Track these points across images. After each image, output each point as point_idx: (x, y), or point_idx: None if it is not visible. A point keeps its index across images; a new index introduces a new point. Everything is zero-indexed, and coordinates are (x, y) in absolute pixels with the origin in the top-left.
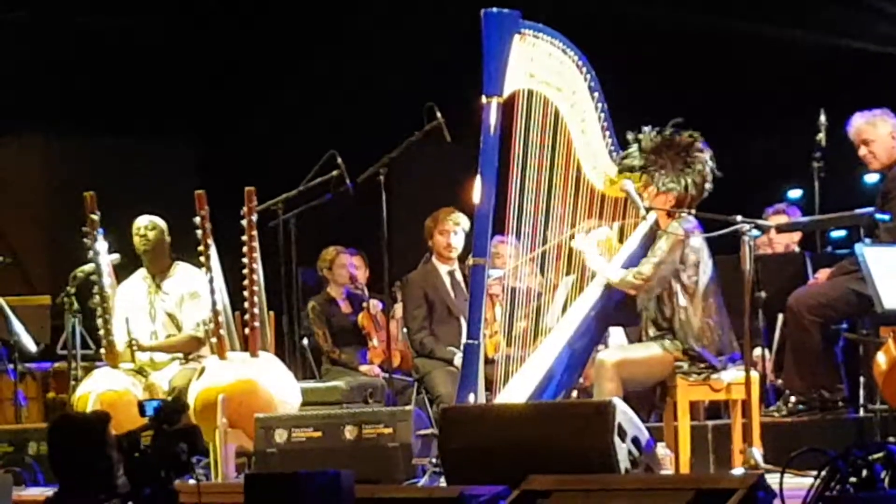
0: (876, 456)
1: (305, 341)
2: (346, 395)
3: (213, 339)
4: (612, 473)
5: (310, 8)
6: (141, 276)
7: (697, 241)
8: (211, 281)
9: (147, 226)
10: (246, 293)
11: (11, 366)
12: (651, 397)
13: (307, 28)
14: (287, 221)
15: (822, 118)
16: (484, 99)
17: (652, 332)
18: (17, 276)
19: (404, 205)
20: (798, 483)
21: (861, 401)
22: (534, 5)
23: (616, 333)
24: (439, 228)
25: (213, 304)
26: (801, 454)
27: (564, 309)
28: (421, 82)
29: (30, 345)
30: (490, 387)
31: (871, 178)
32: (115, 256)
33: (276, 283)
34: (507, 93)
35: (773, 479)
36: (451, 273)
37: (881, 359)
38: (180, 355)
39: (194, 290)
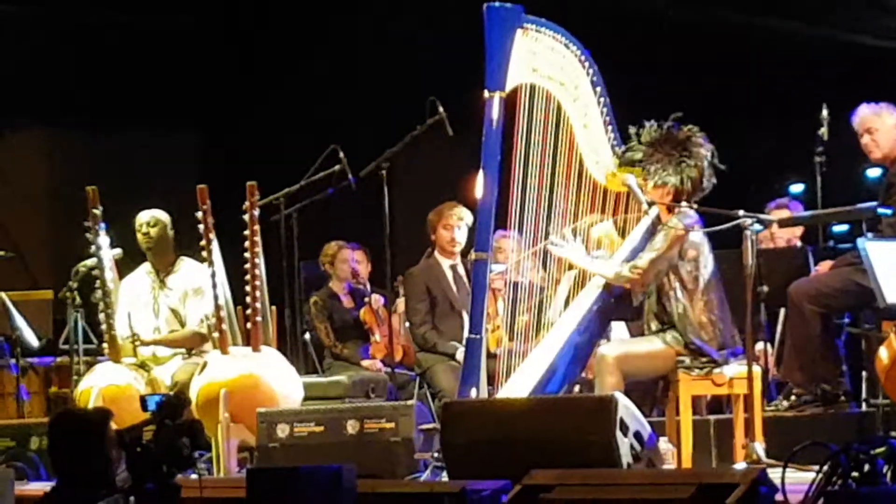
0: (878, 450)
1: (307, 336)
2: (348, 389)
3: (216, 334)
4: (615, 468)
5: (312, 2)
6: (145, 270)
7: (698, 235)
8: (213, 275)
9: (149, 221)
10: (248, 288)
11: (14, 360)
12: (653, 392)
13: (310, 23)
14: (289, 216)
15: (825, 112)
16: (486, 93)
17: (654, 326)
18: (20, 270)
19: (406, 199)
20: (800, 478)
21: (863, 395)
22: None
23: (618, 328)
24: (443, 223)
25: (215, 298)
26: (803, 449)
27: (566, 303)
28: (423, 77)
29: (32, 339)
30: (492, 381)
31: (874, 173)
32: (118, 251)
33: (278, 277)
34: (509, 87)
35: (775, 474)
36: (453, 267)
37: (883, 353)
38: (183, 350)
39: (198, 285)
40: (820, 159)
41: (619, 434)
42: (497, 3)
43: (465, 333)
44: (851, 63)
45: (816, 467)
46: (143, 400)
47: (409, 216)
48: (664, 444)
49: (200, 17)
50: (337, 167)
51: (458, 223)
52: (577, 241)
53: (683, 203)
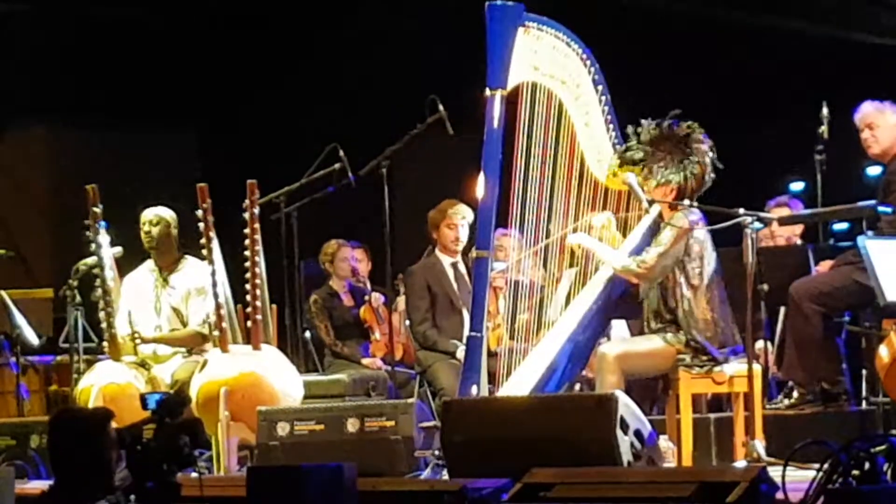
0: (878, 449)
1: (308, 334)
2: (348, 388)
3: (216, 333)
4: (615, 466)
5: (313, 1)
6: (149, 267)
7: (702, 232)
8: (213, 274)
9: (152, 220)
10: (248, 286)
11: (14, 359)
12: (653, 390)
13: (310, 20)
14: (289, 214)
15: (825, 111)
16: (487, 91)
17: (654, 324)
18: (20, 269)
19: (406, 198)
20: (800, 476)
21: (863, 394)
22: None
23: (618, 326)
24: (447, 222)
25: (216, 296)
26: (803, 447)
27: (567, 302)
28: (424, 75)
29: (32, 338)
30: (493, 380)
31: (874, 171)
32: (118, 249)
33: (278, 276)
34: (510, 85)
35: (775, 472)
36: (454, 265)
37: (883, 352)
38: (183, 349)
39: (201, 285)
40: (820, 157)
41: (619, 432)
42: (498, 2)
43: (466, 331)
44: (852, 61)
45: (817, 465)
46: (143, 398)
47: (410, 215)
48: (664, 442)
49: (202, 14)
50: (337, 165)
51: (461, 222)
52: (583, 223)
53: (685, 201)
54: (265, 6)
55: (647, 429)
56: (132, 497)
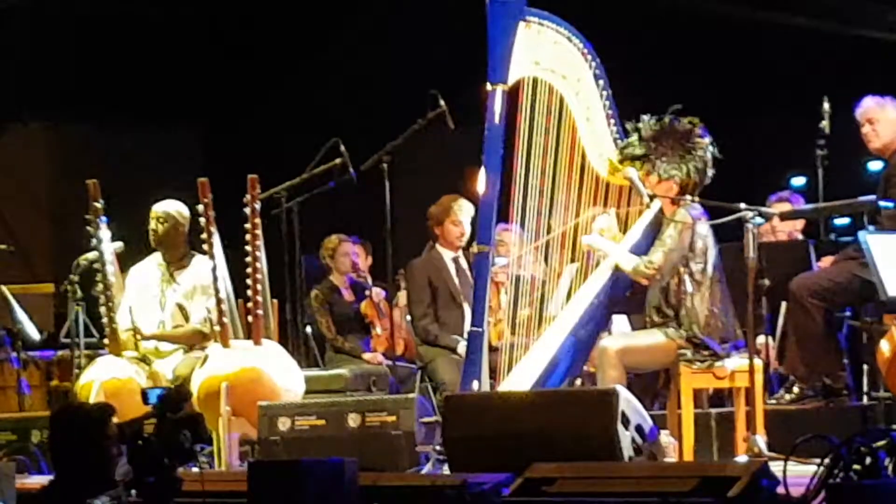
0: (879, 443)
1: (309, 329)
2: (349, 383)
3: (217, 328)
4: (616, 461)
5: None
6: (156, 261)
7: (704, 227)
8: (214, 269)
9: (160, 217)
10: (249, 281)
11: (15, 354)
12: (654, 385)
13: (311, 17)
14: (290, 209)
15: (826, 106)
16: (489, 86)
17: (655, 319)
18: (21, 264)
19: (407, 193)
20: (802, 470)
21: (865, 388)
22: None
23: (620, 321)
24: (451, 219)
25: (216, 291)
26: (804, 442)
27: (568, 297)
28: (425, 70)
29: (33, 333)
30: (494, 374)
31: (875, 166)
32: (119, 244)
33: (279, 271)
34: (511, 80)
35: (776, 467)
36: (455, 259)
37: (885, 347)
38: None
39: (207, 283)
40: (821, 152)
41: (620, 427)
42: None
43: (467, 326)
44: (854, 56)
45: (818, 460)
46: (144, 393)
47: (411, 210)
48: (665, 437)
49: (203, 10)
50: (338, 160)
51: (464, 217)
52: (583, 220)
53: (687, 196)
54: (267, 2)
55: (648, 423)
56: (133, 492)
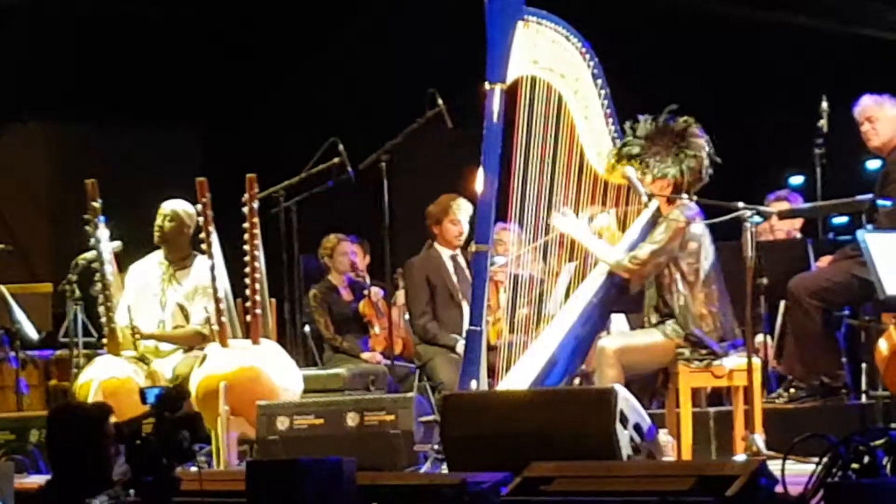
0: (878, 442)
1: (307, 329)
2: (347, 382)
3: (216, 327)
4: (615, 460)
5: None
6: (157, 259)
7: (699, 227)
8: (212, 268)
9: (167, 215)
10: (247, 280)
11: (13, 353)
12: (653, 384)
13: (310, 17)
14: (288, 209)
15: (824, 104)
16: (487, 85)
17: (654, 318)
18: (20, 263)
19: (406, 192)
20: (800, 469)
21: (863, 387)
22: None
23: (618, 320)
24: (450, 218)
25: (215, 291)
26: (802, 441)
27: (567, 296)
28: (423, 69)
29: (31, 332)
30: (492, 374)
31: (873, 165)
32: (117, 244)
33: (277, 270)
34: (510, 79)
35: (774, 466)
36: (453, 258)
37: (883, 345)
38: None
39: (208, 284)
40: (820, 151)
41: (618, 426)
42: None
43: (465, 324)
44: (852, 55)
45: (816, 459)
46: (142, 393)
47: (409, 209)
48: (664, 436)
49: (202, 10)
50: (336, 160)
51: (463, 216)
52: (583, 218)
53: (684, 195)
54: (267, 2)
55: (646, 422)
56: (131, 491)
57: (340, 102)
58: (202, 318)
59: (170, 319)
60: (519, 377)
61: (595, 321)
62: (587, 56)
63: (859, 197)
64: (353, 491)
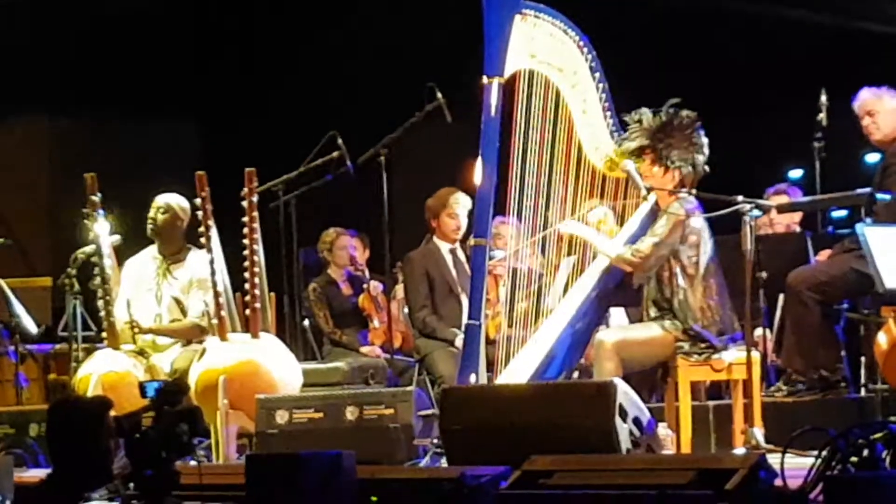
0: (877, 435)
1: (306, 322)
2: (347, 376)
3: (215, 321)
4: (614, 454)
5: None
6: (151, 254)
7: (698, 221)
8: (211, 262)
9: (160, 207)
10: (247, 274)
11: (12, 347)
12: (652, 377)
13: (309, 10)
14: (287, 203)
15: (823, 98)
16: (485, 79)
17: (652, 312)
18: (19, 257)
19: (405, 186)
20: (799, 463)
21: (862, 381)
22: None
23: (617, 314)
24: (448, 212)
25: (214, 285)
26: (802, 434)
27: (566, 289)
28: (422, 63)
29: (31, 326)
30: (491, 367)
31: (872, 158)
32: (116, 238)
33: (276, 264)
34: (508, 73)
35: (774, 459)
36: (452, 251)
37: (882, 339)
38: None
39: (204, 277)
40: (819, 145)
41: (618, 420)
42: None
43: (464, 318)
44: (851, 49)
45: (815, 452)
46: (142, 386)
47: (408, 203)
48: (663, 429)
49: (201, 4)
50: (336, 154)
51: (461, 210)
52: (580, 213)
53: (683, 189)
54: None
55: (645, 416)
56: (131, 485)
57: (339, 96)
58: (200, 310)
59: (166, 313)
60: (518, 371)
61: (593, 315)
62: (585, 50)
63: (858, 190)
64: (353, 485)
